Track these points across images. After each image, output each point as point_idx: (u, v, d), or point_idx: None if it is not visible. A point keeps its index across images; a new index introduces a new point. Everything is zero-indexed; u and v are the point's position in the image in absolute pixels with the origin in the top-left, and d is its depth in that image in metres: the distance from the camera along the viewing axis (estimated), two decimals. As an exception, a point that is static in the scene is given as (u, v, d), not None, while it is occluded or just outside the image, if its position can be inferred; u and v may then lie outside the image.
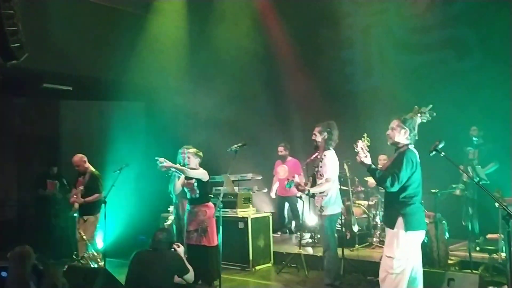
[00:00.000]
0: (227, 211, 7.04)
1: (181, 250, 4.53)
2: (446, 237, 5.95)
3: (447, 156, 4.10)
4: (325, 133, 5.47)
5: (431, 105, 4.37)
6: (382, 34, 8.80)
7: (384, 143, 7.32)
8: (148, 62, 8.97)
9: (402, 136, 4.29)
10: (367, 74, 9.05)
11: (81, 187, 6.75)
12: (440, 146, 4.07)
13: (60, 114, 9.42)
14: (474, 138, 6.83)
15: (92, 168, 6.99)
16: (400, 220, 4.10)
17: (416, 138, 4.35)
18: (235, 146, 5.63)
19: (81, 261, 6.43)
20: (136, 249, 4.51)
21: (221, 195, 5.75)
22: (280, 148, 8.35)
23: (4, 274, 3.61)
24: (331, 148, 5.49)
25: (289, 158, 8.43)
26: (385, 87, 8.43)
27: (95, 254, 6.59)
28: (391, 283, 4.11)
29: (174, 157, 6.63)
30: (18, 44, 5.10)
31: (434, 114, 4.37)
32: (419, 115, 4.34)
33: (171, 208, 6.87)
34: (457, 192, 6.63)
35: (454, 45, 7.96)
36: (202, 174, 5.86)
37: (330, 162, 5.38)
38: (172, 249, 4.49)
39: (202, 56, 9.62)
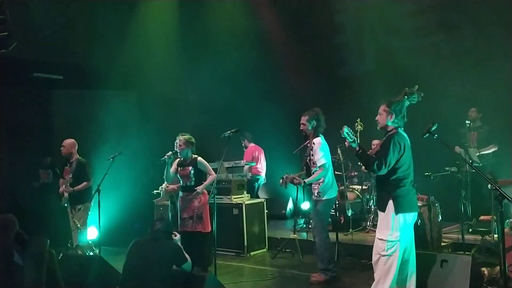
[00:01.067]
0: (222, 198, 7.06)
1: (177, 238, 4.49)
2: (439, 220, 6.00)
3: (440, 139, 4.12)
4: (314, 121, 5.40)
5: (417, 86, 4.33)
6: (374, 18, 8.76)
7: (377, 128, 7.34)
8: (139, 49, 8.90)
9: (389, 120, 4.28)
10: (360, 59, 9.03)
11: (70, 175, 6.70)
12: (433, 128, 4.08)
13: (51, 104, 9.33)
14: (467, 122, 6.84)
15: (78, 156, 6.91)
16: (390, 203, 4.13)
17: (405, 120, 4.34)
18: (228, 132, 5.61)
19: (76, 249, 6.42)
20: (130, 237, 4.49)
21: (215, 182, 5.76)
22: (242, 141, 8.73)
23: None
24: (319, 134, 5.42)
25: (250, 145, 8.76)
26: (378, 71, 8.43)
27: (88, 243, 6.57)
28: (384, 265, 4.16)
29: (167, 144, 6.63)
30: (6, 33, 5.03)
31: (422, 94, 4.33)
32: (406, 97, 4.30)
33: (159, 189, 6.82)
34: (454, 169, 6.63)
35: (447, 29, 7.95)
36: (213, 176, 5.84)
37: (321, 149, 5.32)
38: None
39: (194, 43, 9.56)
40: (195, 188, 5.83)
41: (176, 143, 6.05)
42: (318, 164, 5.30)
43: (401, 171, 4.18)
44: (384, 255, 4.15)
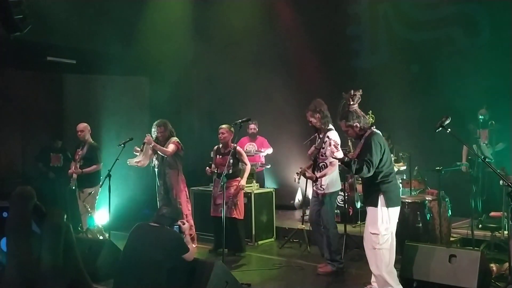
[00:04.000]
0: (231, 186, 7.08)
1: (186, 227, 4.42)
2: (449, 215, 5.97)
3: (453, 133, 4.09)
4: (317, 114, 5.33)
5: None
6: (389, 10, 8.66)
7: (390, 120, 7.30)
8: (152, 35, 8.89)
9: (357, 130, 4.48)
10: (374, 51, 8.94)
11: (79, 157, 6.80)
12: (447, 122, 4.05)
13: (63, 88, 9.39)
14: (480, 117, 6.76)
15: (91, 140, 7.01)
16: (382, 198, 4.30)
17: (370, 118, 4.51)
18: (239, 120, 5.61)
19: (87, 233, 6.49)
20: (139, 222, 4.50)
21: (225, 171, 5.79)
22: (253, 126, 8.27)
23: (5, 214, 3.53)
24: (331, 126, 5.37)
25: (258, 136, 8.44)
26: (391, 64, 8.34)
27: (98, 227, 6.64)
28: (380, 257, 4.30)
29: (177, 130, 6.66)
30: (21, 16, 5.05)
31: (361, 91, 4.54)
32: (352, 103, 4.51)
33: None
34: (463, 168, 6.61)
35: (463, 22, 7.83)
36: (249, 167, 6.38)
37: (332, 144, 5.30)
38: (177, 226, 4.35)
39: (206, 30, 9.52)
40: (240, 185, 6.24)
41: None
42: (330, 160, 5.24)
43: (386, 167, 4.39)
44: (379, 248, 4.30)
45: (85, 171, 6.77)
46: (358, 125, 4.44)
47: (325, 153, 5.29)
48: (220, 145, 6.39)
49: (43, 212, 3.11)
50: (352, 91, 4.54)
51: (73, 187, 6.88)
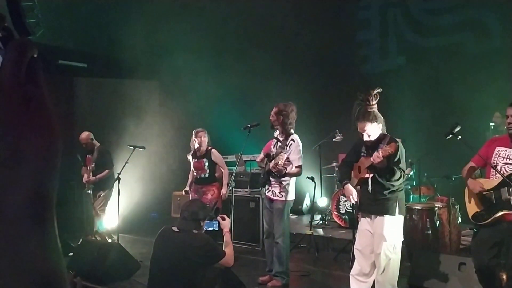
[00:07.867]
0: (239, 191, 7.08)
1: (226, 223, 3.85)
2: (459, 222, 5.92)
3: (464, 140, 4.05)
4: (280, 116, 5.01)
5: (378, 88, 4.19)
6: (399, 15, 8.65)
7: (399, 126, 7.27)
8: (162, 40, 8.95)
9: (381, 130, 4.11)
10: (383, 56, 8.92)
11: (92, 164, 6.81)
12: (457, 129, 4.02)
13: (75, 91, 9.47)
14: (491, 123, 6.71)
15: (99, 144, 7.01)
16: (398, 206, 4.12)
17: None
18: (249, 125, 5.60)
19: (96, 236, 6.52)
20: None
21: (233, 175, 5.79)
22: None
23: None
24: (292, 131, 5.10)
25: None
26: (401, 69, 8.32)
27: (107, 230, 6.68)
28: (395, 264, 4.15)
29: (186, 135, 6.67)
30: (34, 20, 5.12)
31: (381, 89, 4.17)
32: (373, 102, 4.12)
33: None
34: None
35: (473, 28, 7.80)
36: (227, 172, 6.06)
37: (299, 149, 5.05)
38: (215, 222, 3.83)
39: (217, 36, 9.56)
40: (222, 194, 5.91)
41: (193, 140, 6.03)
42: (296, 164, 4.99)
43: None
44: (394, 257, 4.13)
45: (98, 177, 6.77)
46: (381, 126, 4.09)
47: (291, 160, 4.98)
48: (196, 148, 6.06)
49: (12, 34, 2.95)
50: (373, 90, 4.13)
51: (88, 191, 6.88)
